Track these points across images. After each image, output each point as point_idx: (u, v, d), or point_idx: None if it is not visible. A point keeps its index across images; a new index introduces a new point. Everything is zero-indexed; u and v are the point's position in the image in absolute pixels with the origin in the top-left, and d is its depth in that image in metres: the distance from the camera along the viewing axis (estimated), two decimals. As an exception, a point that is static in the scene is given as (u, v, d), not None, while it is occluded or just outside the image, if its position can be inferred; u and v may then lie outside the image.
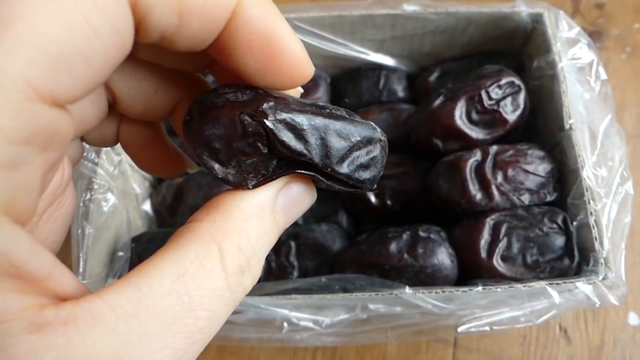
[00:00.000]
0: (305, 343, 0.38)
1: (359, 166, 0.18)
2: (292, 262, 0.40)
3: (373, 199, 0.42)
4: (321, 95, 0.46)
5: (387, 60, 0.47)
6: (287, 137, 0.16)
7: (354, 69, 0.48)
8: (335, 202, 0.45)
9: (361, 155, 0.18)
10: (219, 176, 0.16)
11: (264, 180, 0.17)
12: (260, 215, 0.16)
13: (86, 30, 0.12)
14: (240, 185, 0.17)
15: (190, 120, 0.17)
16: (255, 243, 0.16)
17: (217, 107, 0.16)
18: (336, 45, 0.45)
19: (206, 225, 0.15)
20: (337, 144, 0.17)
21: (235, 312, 0.35)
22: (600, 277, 0.33)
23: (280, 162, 0.17)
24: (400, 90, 0.47)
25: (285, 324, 0.36)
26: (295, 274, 0.39)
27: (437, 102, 0.39)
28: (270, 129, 0.16)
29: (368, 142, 0.18)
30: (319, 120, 0.17)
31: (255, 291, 0.35)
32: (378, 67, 0.47)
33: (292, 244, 0.40)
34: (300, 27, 0.43)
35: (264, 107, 0.16)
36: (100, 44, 0.13)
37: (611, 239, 0.34)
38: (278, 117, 0.16)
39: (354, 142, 0.17)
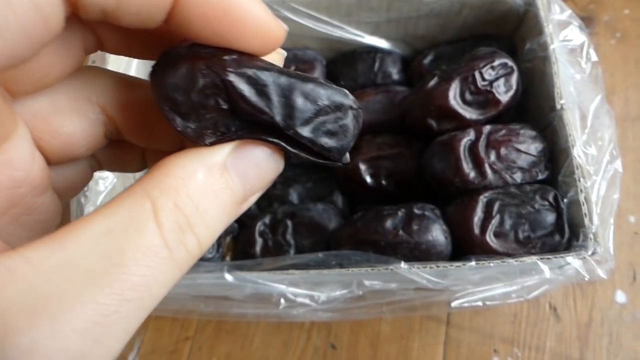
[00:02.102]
0: (302, 318, 0.38)
1: (325, 132, 0.17)
2: (289, 241, 0.40)
3: (368, 179, 0.42)
4: (317, 77, 0.47)
5: (382, 43, 0.48)
6: (248, 92, 0.16)
7: (350, 52, 0.48)
8: (330, 183, 0.45)
9: (329, 121, 0.17)
10: (179, 129, 0.16)
11: (223, 139, 0.16)
12: (206, 174, 0.15)
13: None
14: (198, 140, 0.16)
15: (156, 70, 0.16)
16: (197, 203, 0.15)
17: (181, 56, 0.16)
18: (332, 27, 0.45)
19: (142, 184, 0.14)
20: (302, 105, 0.16)
21: (233, 288, 0.36)
22: (590, 252, 0.34)
23: (243, 124, 0.16)
24: (395, 72, 0.47)
25: (282, 300, 0.37)
26: (292, 252, 0.40)
27: (432, 83, 0.40)
28: (229, 81, 0.15)
29: (338, 108, 0.17)
30: (284, 80, 0.16)
31: (253, 267, 0.36)
32: (373, 50, 0.48)
33: (289, 222, 0.41)
34: (296, 8, 0.44)
35: (225, 58, 0.16)
36: (14, 17, 0.12)
37: (600, 215, 0.34)
38: (239, 70, 0.16)
39: (321, 105, 0.17)
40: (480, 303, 0.37)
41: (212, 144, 0.16)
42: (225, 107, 0.16)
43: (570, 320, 0.45)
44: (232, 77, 0.15)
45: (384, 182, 0.42)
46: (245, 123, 0.16)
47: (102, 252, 0.13)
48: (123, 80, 0.19)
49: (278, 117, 0.16)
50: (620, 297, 0.45)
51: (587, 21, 0.56)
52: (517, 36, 0.45)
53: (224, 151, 0.16)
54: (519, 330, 0.45)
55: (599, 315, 0.45)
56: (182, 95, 0.15)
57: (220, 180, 0.15)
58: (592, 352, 0.44)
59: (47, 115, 0.17)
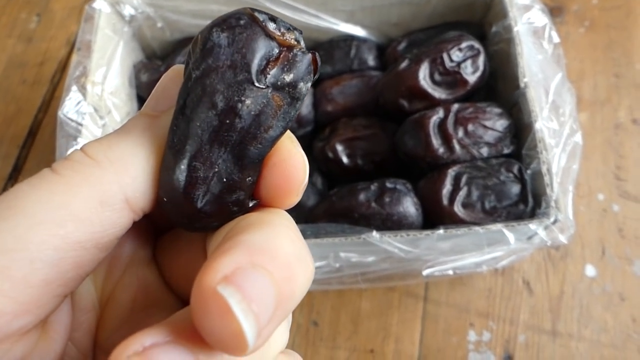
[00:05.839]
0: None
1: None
2: (269, 218, 0.42)
3: (345, 159, 0.44)
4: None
5: (358, 31, 0.50)
6: None
7: (327, 40, 0.50)
8: (310, 165, 0.47)
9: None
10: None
11: None
12: None
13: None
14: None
15: None
16: None
17: None
18: (309, 16, 0.47)
19: None
20: None
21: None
22: (552, 219, 0.35)
23: None
24: (370, 59, 0.49)
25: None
26: (272, 228, 0.42)
27: (403, 65, 0.42)
28: None
29: None
30: None
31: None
32: (349, 38, 0.50)
33: (269, 201, 0.43)
34: (274, -2, 0.46)
35: None
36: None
37: (561, 184, 0.36)
38: None
39: None
40: (451, 272, 0.39)
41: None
42: None
43: (543, 294, 0.47)
44: None
45: (360, 161, 0.44)
46: None
47: None
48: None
49: None
50: (590, 271, 0.47)
51: (557, 11, 0.58)
52: (486, 22, 0.47)
53: None
54: (494, 304, 0.47)
55: (570, 288, 0.47)
56: None
57: None
58: (564, 323, 0.45)
59: None
